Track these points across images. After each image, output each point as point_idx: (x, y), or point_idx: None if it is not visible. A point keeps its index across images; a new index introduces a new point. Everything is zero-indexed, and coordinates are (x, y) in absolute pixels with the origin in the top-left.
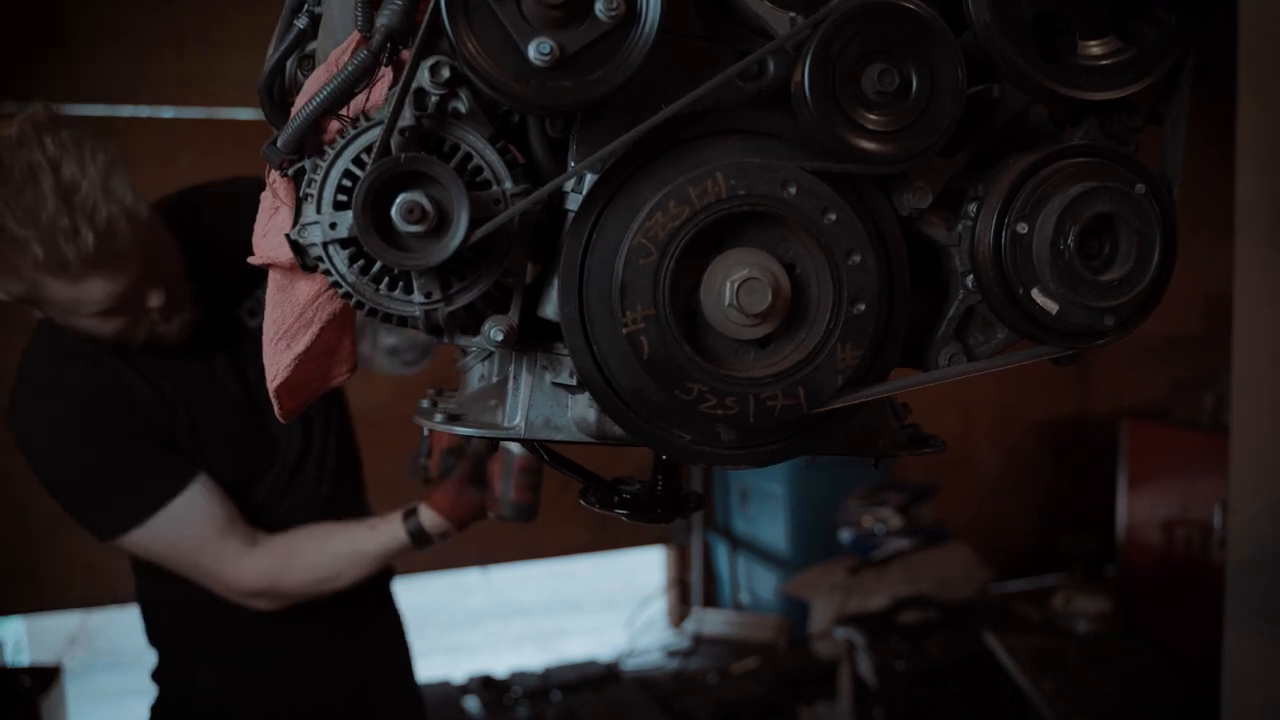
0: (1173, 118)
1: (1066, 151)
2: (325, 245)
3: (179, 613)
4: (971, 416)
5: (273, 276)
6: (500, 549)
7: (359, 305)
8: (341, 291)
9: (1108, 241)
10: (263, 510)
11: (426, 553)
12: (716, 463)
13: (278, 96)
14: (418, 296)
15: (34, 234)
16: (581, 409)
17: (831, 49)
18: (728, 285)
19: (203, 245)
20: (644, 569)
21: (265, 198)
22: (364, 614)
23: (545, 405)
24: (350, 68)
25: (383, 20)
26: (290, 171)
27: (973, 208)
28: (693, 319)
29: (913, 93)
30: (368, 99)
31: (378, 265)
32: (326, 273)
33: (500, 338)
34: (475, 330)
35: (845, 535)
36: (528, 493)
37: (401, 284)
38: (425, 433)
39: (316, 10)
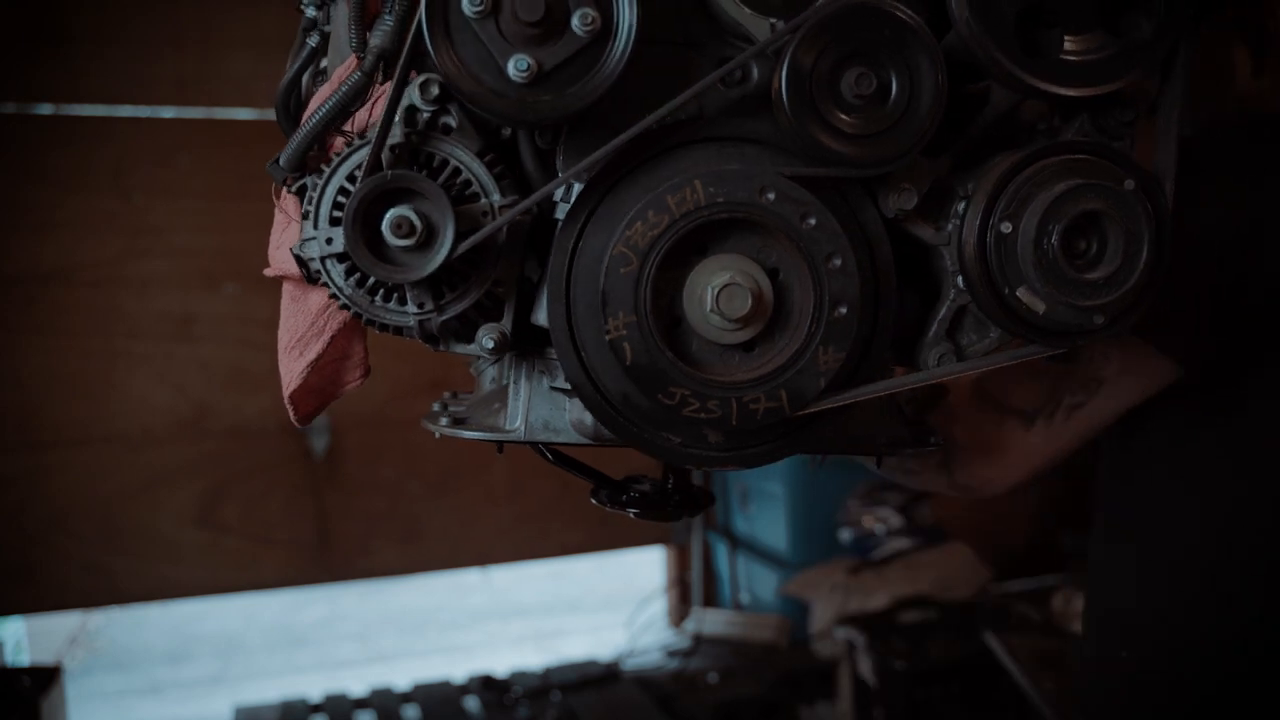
0: (1165, 111)
1: (1053, 149)
2: (323, 260)
3: None
4: None
5: (286, 287)
6: (500, 549)
7: (357, 316)
8: (340, 303)
9: (1095, 239)
10: None
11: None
12: (705, 464)
13: (293, 112)
14: (411, 307)
15: None
16: (578, 412)
17: (808, 54)
18: (709, 291)
19: None
20: (644, 569)
21: (278, 213)
22: None
23: (544, 409)
24: (345, 87)
25: (375, 41)
26: (294, 188)
27: (961, 207)
28: (677, 325)
29: (892, 95)
30: (370, 115)
31: (372, 278)
32: (325, 285)
33: (492, 345)
34: (470, 338)
35: (845, 535)
36: None
37: (396, 295)
38: None
39: (327, 29)
